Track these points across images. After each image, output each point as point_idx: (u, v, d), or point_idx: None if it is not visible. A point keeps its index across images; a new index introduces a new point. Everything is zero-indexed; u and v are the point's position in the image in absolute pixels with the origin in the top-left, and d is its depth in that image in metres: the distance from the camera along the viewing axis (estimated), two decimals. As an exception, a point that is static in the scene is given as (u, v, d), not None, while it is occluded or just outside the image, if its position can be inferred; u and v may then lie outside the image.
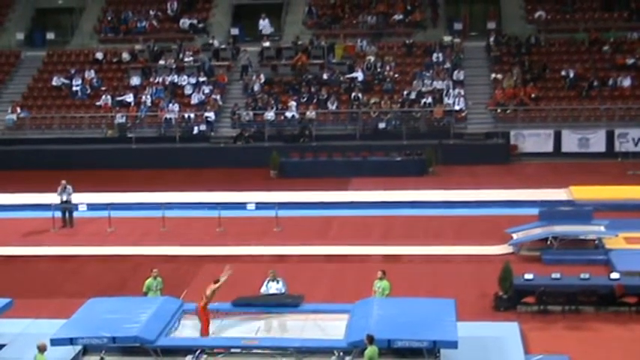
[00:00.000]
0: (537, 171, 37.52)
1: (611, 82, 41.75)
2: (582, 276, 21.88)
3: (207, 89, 43.40)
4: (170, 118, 41.96)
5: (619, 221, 27.34)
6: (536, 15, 45.42)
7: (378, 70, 43.41)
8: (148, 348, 18.32)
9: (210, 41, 45.85)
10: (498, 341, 19.39)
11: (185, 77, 44.12)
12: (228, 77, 44.51)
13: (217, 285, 19.76)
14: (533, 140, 39.84)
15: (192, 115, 42.09)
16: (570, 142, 39.58)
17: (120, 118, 42.25)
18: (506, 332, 19.88)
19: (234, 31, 47.08)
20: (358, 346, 17.52)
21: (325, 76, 43.37)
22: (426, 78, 42.58)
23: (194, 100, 43.05)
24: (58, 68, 46.08)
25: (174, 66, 44.58)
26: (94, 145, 41.47)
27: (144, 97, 43.13)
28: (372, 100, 41.76)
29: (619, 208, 29.82)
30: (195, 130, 41.52)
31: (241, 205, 30.77)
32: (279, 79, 43.98)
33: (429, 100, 41.31)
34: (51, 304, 22.83)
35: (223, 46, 45.77)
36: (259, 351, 18.64)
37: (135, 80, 44.33)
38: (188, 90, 43.69)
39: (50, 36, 48.15)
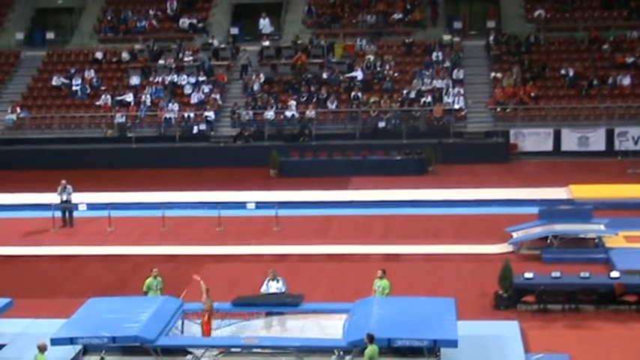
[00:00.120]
0: (537, 170, 37.52)
1: (610, 80, 41.75)
2: (582, 275, 21.89)
3: (206, 89, 43.40)
4: (170, 118, 41.97)
5: (619, 220, 27.32)
6: (536, 14, 45.42)
7: (378, 69, 43.41)
8: (148, 348, 18.31)
9: (210, 41, 45.85)
10: (498, 340, 19.40)
11: (185, 77, 44.12)
12: (227, 77, 44.51)
13: (206, 295, 19.67)
14: (533, 139, 39.84)
15: (191, 115, 42.09)
16: (570, 140, 39.59)
17: (120, 118, 42.25)
18: (507, 331, 19.89)
19: (234, 31, 47.08)
20: (358, 346, 17.51)
21: (325, 76, 43.37)
22: (425, 77, 42.59)
23: (194, 99, 43.05)
24: (57, 68, 46.08)
25: (173, 65, 44.58)
26: (93, 144, 41.47)
27: (143, 96, 43.14)
28: (372, 99, 41.76)
29: (619, 206, 29.80)
30: (195, 129, 41.53)
31: (241, 205, 30.78)
32: (279, 78, 43.98)
33: (429, 99, 41.31)
34: (51, 303, 22.83)
35: (223, 46, 45.77)
36: (259, 350, 18.64)
37: (134, 80, 44.33)
38: (188, 89, 43.69)
39: (50, 36, 48.14)
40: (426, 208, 31.43)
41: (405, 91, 42.03)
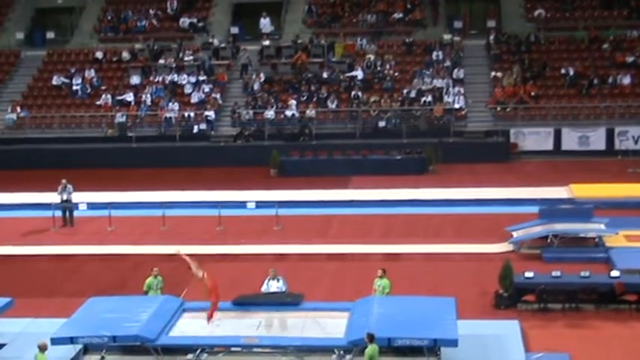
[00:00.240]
0: (537, 169, 37.53)
1: (610, 80, 41.74)
2: (582, 274, 21.89)
3: (207, 88, 43.40)
4: (170, 117, 41.97)
5: (619, 219, 27.33)
6: (536, 13, 45.40)
7: (378, 68, 43.40)
8: (149, 347, 18.33)
9: (210, 40, 45.84)
10: (499, 339, 19.40)
11: (185, 76, 44.12)
12: (228, 76, 44.50)
13: (195, 267, 19.82)
14: (533, 138, 39.83)
15: (192, 114, 42.09)
16: (570, 140, 39.58)
17: (120, 118, 42.25)
18: (507, 330, 19.90)
19: (234, 30, 47.07)
20: (358, 345, 17.53)
21: (325, 75, 43.37)
22: (425, 76, 42.58)
23: (194, 99, 43.05)
24: (58, 67, 46.07)
25: (174, 65, 44.58)
26: (94, 144, 41.47)
27: (144, 96, 43.13)
28: (372, 99, 41.76)
29: (619, 205, 29.82)
30: (195, 129, 41.53)
31: (241, 204, 30.81)
32: (279, 77, 43.98)
33: (429, 98, 41.31)
34: (51, 303, 22.84)
35: (223, 45, 45.76)
36: (260, 350, 18.66)
37: (135, 79, 44.33)
38: (188, 89, 43.69)
39: (50, 35, 48.13)
40: (427, 208, 31.43)
41: (405, 91, 42.03)
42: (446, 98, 41.41)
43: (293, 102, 41.81)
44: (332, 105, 41.77)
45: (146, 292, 21.28)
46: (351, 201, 32.85)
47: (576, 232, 26.37)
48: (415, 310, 19.04)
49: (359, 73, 42.98)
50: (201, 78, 43.95)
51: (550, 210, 27.98)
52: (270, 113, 41.51)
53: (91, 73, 44.81)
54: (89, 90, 44.18)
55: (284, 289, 21.02)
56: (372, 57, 43.68)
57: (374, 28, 45.90)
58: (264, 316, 20.02)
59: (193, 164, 39.29)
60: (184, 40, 46.25)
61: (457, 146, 39.38)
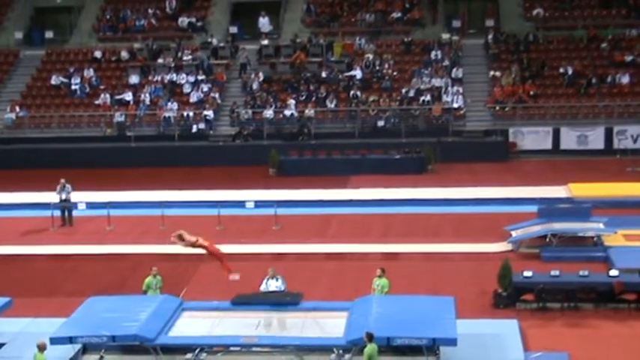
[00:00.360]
0: (536, 168, 37.54)
1: (609, 79, 41.76)
2: (581, 273, 21.91)
3: (205, 87, 43.40)
4: (169, 117, 41.96)
5: (618, 218, 27.37)
6: (535, 12, 45.42)
7: (377, 68, 43.40)
8: (148, 346, 18.33)
9: (209, 39, 45.84)
10: (498, 338, 19.41)
11: (184, 76, 44.12)
12: (226, 75, 44.50)
13: (183, 238, 19.96)
14: (532, 137, 39.85)
15: (191, 114, 42.08)
16: (569, 139, 39.60)
17: (119, 117, 42.23)
18: (506, 329, 19.91)
19: (233, 30, 47.07)
20: (357, 344, 17.54)
21: (324, 74, 43.37)
22: (424, 76, 42.58)
23: (193, 98, 43.04)
24: (56, 67, 46.06)
25: (172, 64, 44.57)
26: (93, 143, 41.44)
27: (143, 95, 43.11)
28: (371, 98, 41.75)
29: (618, 205, 29.83)
30: (194, 128, 41.53)
31: (240, 204, 30.81)
32: (278, 77, 43.98)
33: (428, 97, 41.32)
34: (50, 302, 22.84)
35: (222, 45, 45.76)
36: (259, 349, 18.67)
37: (134, 79, 44.32)
38: (187, 88, 43.69)
39: (49, 35, 48.09)
40: (426, 207, 31.43)
41: (404, 90, 42.03)
42: (445, 98, 41.42)
43: (292, 101, 41.81)
44: (331, 104, 41.77)
45: (145, 292, 21.29)
46: (350, 200, 32.85)
47: (575, 232, 26.39)
48: (414, 309, 19.05)
49: (358, 73, 42.98)
50: (200, 77, 43.95)
51: (549, 209, 28.00)
52: (269, 113, 41.51)
53: (89, 73, 44.80)
54: (88, 89, 44.17)
55: (283, 289, 21.03)
56: (370, 56, 43.68)
57: (373, 27, 45.91)
58: (263, 315, 20.02)
59: (192, 164, 39.28)
60: (183, 39, 46.25)
61: (456, 145, 39.39)
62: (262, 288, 21.10)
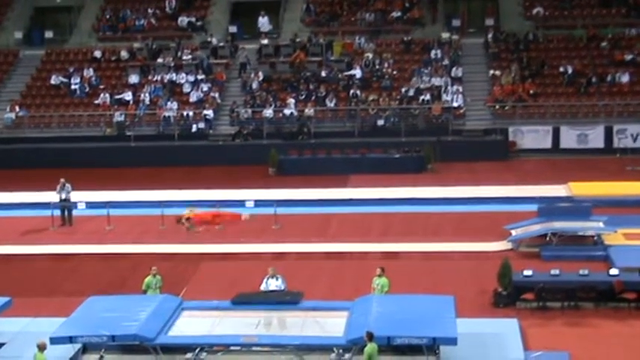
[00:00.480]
0: (536, 167, 37.53)
1: (609, 78, 41.75)
2: (581, 272, 21.90)
3: (205, 87, 43.39)
4: (169, 116, 41.94)
5: (618, 217, 27.37)
6: (535, 11, 45.41)
7: (377, 67, 43.39)
8: (148, 346, 18.32)
9: (209, 39, 45.82)
10: (498, 338, 19.41)
11: (183, 75, 44.10)
12: (226, 75, 44.49)
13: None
14: (532, 136, 39.84)
15: (190, 113, 42.07)
16: (569, 138, 39.59)
17: (118, 117, 42.21)
18: (506, 329, 19.90)
19: (233, 29, 47.05)
20: (358, 344, 17.53)
21: (323, 74, 43.35)
22: (424, 75, 42.57)
23: (193, 98, 43.02)
24: (56, 67, 46.05)
25: (172, 64, 44.55)
26: (92, 143, 41.42)
27: (142, 95, 43.09)
28: (371, 97, 41.74)
29: (618, 204, 29.85)
30: (194, 127, 41.51)
31: (240, 203, 30.81)
32: (278, 76, 43.97)
33: (428, 96, 41.30)
34: (50, 302, 22.84)
35: (222, 44, 45.75)
36: (259, 348, 18.65)
37: (133, 78, 44.30)
38: (187, 88, 43.67)
39: (49, 35, 48.07)
40: (425, 206, 31.42)
41: (403, 89, 42.02)
42: (444, 97, 41.40)
43: (291, 101, 41.79)
44: (330, 104, 41.76)
45: (145, 291, 21.28)
46: (350, 200, 32.85)
47: (575, 231, 26.38)
48: (414, 308, 19.04)
49: (357, 72, 42.97)
50: (199, 77, 43.94)
51: (549, 208, 28.00)
52: (268, 112, 41.50)
53: (89, 73, 44.79)
54: (88, 89, 44.15)
55: (283, 288, 21.02)
56: (370, 55, 43.67)
57: (372, 26, 45.90)
58: (264, 314, 19.99)
59: (192, 163, 39.27)
60: (183, 39, 46.23)
61: (456, 145, 39.38)
62: (262, 287, 21.09)
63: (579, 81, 41.63)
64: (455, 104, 41.00)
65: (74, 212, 30.91)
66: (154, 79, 44.17)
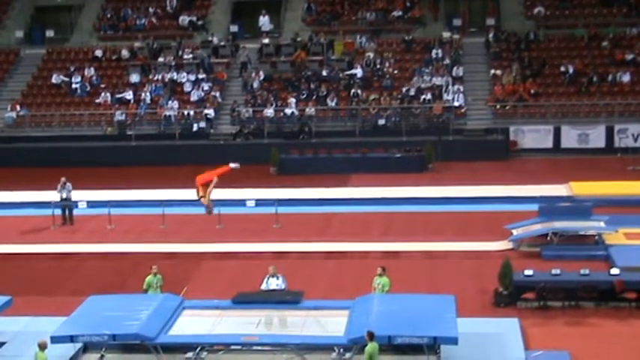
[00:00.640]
0: (537, 167, 37.53)
1: (610, 77, 41.72)
2: (582, 272, 21.89)
3: (206, 86, 43.39)
4: (169, 116, 41.95)
5: (619, 217, 27.35)
6: (536, 11, 45.38)
7: (378, 66, 43.39)
8: (149, 345, 18.32)
9: (210, 38, 45.82)
10: (498, 337, 19.40)
11: (184, 74, 44.10)
12: (227, 74, 44.49)
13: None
14: (533, 136, 39.82)
15: (191, 112, 42.07)
16: (570, 137, 39.57)
17: (119, 116, 42.23)
18: (507, 328, 19.90)
19: (234, 28, 47.06)
20: (358, 343, 17.53)
21: (324, 73, 43.35)
22: (425, 74, 42.55)
23: (193, 97, 43.03)
24: (57, 66, 46.05)
25: (173, 63, 44.55)
26: (93, 142, 41.44)
27: (143, 94, 43.10)
28: (372, 97, 41.73)
29: (619, 203, 29.83)
30: (195, 127, 41.51)
31: (241, 202, 30.82)
32: (279, 75, 43.97)
33: (429, 96, 41.29)
34: (51, 301, 22.86)
35: (222, 43, 45.74)
36: (259, 348, 18.65)
37: (134, 77, 44.31)
38: (187, 87, 43.68)
39: (49, 34, 48.10)
40: (426, 206, 31.42)
41: (404, 89, 42.01)
42: (445, 96, 41.39)
43: (292, 100, 41.80)
44: (331, 103, 41.75)
45: (146, 291, 21.29)
46: (351, 199, 32.83)
47: (576, 230, 26.38)
48: (415, 308, 19.04)
49: (358, 71, 42.97)
50: (200, 76, 43.94)
51: (550, 208, 27.99)
52: (269, 111, 41.50)
53: (90, 72, 44.81)
54: (88, 88, 44.17)
55: (284, 287, 21.03)
56: (371, 55, 43.67)
57: (373, 26, 45.88)
58: (264, 314, 20.01)
59: (193, 162, 39.05)
60: (184, 38, 46.24)
61: (456, 144, 39.37)
62: (263, 286, 21.10)
63: (580, 80, 41.62)
64: (456, 104, 41.00)
65: (75, 211, 30.92)
66: (155, 78, 44.18)
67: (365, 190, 33.71)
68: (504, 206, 30.55)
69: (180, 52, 45.06)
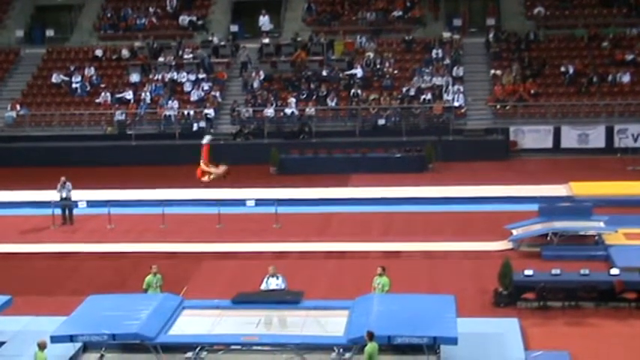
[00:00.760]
0: (537, 167, 37.53)
1: (610, 77, 41.72)
2: (582, 272, 21.90)
3: (206, 86, 43.39)
4: (170, 115, 41.95)
5: (618, 217, 27.36)
6: (536, 11, 45.38)
7: (378, 66, 43.38)
8: (148, 345, 18.32)
9: (210, 38, 45.82)
10: (498, 337, 19.40)
11: (184, 74, 44.10)
12: (227, 74, 44.49)
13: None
14: (533, 136, 39.83)
15: (191, 112, 42.07)
16: (570, 137, 39.58)
17: (119, 115, 42.22)
18: (506, 328, 19.90)
19: (234, 28, 47.06)
20: (358, 343, 17.53)
21: (324, 73, 43.35)
22: (425, 74, 42.55)
23: (193, 96, 43.03)
24: (57, 65, 46.05)
25: (173, 63, 44.55)
26: (93, 142, 41.44)
27: (143, 94, 43.09)
28: (372, 97, 41.73)
29: (618, 203, 29.83)
30: (195, 126, 41.50)
31: (241, 202, 30.82)
32: (279, 75, 43.96)
33: (429, 96, 41.29)
34: (51, 301, 22.86)
35: (223, 43, 45.74)
36: (259, 348, 18.65)
37: (134, 77, 44.30)
38: (187, 87, 43.68)
39: (50, 33, 48.09)
40: (426, 206, 31.42)
41: (404, 89, 42.00)
42: (445, 96, 41.39)
43: (292, 100, 41.80)
44: (331, 103, 41.75)
45: (146, 290, 21.29)
46: (351, 199, 32.83)
47: (576, 230, 26.38)
48: (415, 307, 19.04)
49: (358, 71, 42.96)
50: (200, 76, 43.94)
51: (550, 208, 27.99)
52: (269, 111, 41.50)
53: (90, 71, 44.80)
54: (89, 88, 44.16)
55: (283, 287, 21.02)
56: (371, 55, 43.66)
57: (373, 25, 45.88)
58: (264, 314, 20.01)
59: (193, 162, 38.93)
60: (184, 38, 46.23)
61: (456, 144, 39.37)
62: (263, 286, 21.09)
63: (580, 81, 41.62)
64: (456, 104, 41.00)
65: (75, 211, 30.92)
66: (155, 77, 44.18)
67: (365, 190, 33.72)
68: (504, 206, 30.55)
69: (180, 52, 45.06)
